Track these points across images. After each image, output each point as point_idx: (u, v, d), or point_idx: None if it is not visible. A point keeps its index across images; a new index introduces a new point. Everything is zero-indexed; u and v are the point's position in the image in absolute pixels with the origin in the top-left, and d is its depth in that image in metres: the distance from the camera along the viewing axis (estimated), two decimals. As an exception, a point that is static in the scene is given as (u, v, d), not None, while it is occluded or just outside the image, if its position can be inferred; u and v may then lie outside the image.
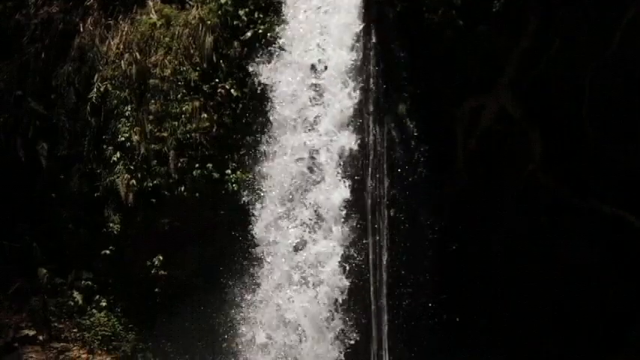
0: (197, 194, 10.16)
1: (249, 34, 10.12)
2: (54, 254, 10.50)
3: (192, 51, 10.27)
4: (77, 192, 10.46)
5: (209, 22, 10.23)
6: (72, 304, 10.47)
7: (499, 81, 10.03)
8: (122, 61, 10.41)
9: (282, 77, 9.83)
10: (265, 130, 9.85)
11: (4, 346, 10.26)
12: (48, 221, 10.53)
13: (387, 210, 9.67)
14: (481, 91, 10.11)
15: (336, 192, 9.48)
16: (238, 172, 10.09)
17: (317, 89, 9.68)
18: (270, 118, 9.80)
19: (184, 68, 10.24)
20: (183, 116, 10.19)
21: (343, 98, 9.63)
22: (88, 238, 10.47)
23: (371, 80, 9.73)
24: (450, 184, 10.06)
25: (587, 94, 9.60)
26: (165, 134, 10.22)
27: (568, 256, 9.88)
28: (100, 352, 10.44)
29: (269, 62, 9.88)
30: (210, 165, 10.15)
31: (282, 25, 9.93)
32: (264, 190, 9.76)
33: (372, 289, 9.45)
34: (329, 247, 9.39)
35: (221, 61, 10.20)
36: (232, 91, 10.17)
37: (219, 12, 10.23)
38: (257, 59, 9.92)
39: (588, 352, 9.60)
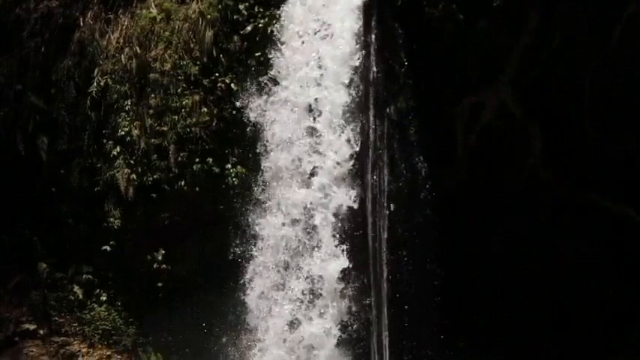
0: (197, 188, 10.16)
1: (249, 28, 10.12)
2: (54, 249, 10.50)
3: (192, 45, 10.26)
4: (77, 186, 10.46)
5: (209, 17, 10.21)
6: (72, 298, 10.48)
7: (499, 78, 9.99)
8: (122, 56, 10.40)
9: (275, 116, 9.73)
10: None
11: (5, 340, 10.28)
12: (48, 216, 10.53)
13: (386, 206, 9.68)
14: (481, 87, 10.08)
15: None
16: (238, 167, 10.09)
17: (314, 134, 9.50)
18: (262, 164, 9.71)
19: (184, 62, 10.23)
20: (183, 110, 10.19)
21: (341, 147, 9.45)
22: (88, 232, 10.47)
23: (371, 75, 9.72)
24: (449, 179, 10.03)
25: (587, 89, 9.58)
26: (165, 128, 10.22)
27: (568, 256, 9.87)
28: (100, 346, 10.45)
29: (260, 95, 9.85)
30: (210, 159, 10.15)
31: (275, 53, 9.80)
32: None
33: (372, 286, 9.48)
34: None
35: (221, 55, 10.18)
36: (232, 85, 10.16)
37: (220, 6, 10.21)
38: (247, 89, 9.88)
39: (588, 352, 9.59)
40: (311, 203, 9.39)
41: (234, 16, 10.19)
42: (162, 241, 10.34)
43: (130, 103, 10.33)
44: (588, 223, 9.85)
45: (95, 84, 10.37)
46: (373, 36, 9.72)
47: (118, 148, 10.26)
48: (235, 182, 10.08)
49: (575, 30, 9.41)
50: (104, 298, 10.56)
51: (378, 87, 9.85)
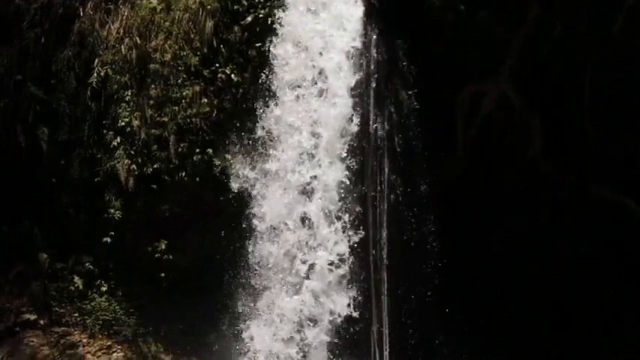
0: (198, 179, 10.16)
1: (249, 18, 10.10)
2: (55, 239, 10.49)
3: (192, 36, 10.24)
4: (78, 177, 10.43)
5: (209, 7, 10.19)
6: (72, 288, 10.48)
7: (500, 69, 10.01)
8: (122, 46, 10.37)
9: (265, 191, 9.71)
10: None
11: (5, 330, 10.28)
12: (48, 206, 10.51)
13: (386, 197, 9.69)
14: (482, 78, 10.10)
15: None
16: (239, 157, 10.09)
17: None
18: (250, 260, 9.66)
19: (185, 53, 10.21)
20: (183, 101, 10.18)
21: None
22: (88, 223, 10.46)
23: (372, 66, 9.71)
24: (450, 170, 10.04)
25: (588, 80, 9.56)
26: (165, 119, 10.20)
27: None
28: (100, 336, 10.45)
29: (249, 164, 9.87)
30: (210, 150, 10.15)
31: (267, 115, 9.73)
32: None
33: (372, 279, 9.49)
34: None
35: (221, 45, 10.17)
36: (233, 76, 10.16)
37: (220, -4, 10.21)
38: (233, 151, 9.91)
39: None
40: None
41: (235, 7, 10.17)
42: (162, 232, 10.34)
43: (130, 94, 10.31)
44: (588, 222, 9.83)
45: (95, 74, 10.35)
46: (374, 25, 9.71)
47: (119, 139, 10.24)
48: (236, 173, 10.07)
49: (576, 20, 9.41)
50: (104, 289, 10.56)
51: (379, 78, 9.86)
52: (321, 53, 9.76)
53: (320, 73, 9.70)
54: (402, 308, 9.51)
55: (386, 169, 9.62)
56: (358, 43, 9.77)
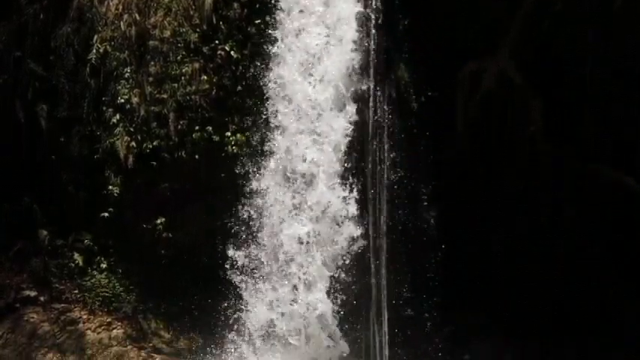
0: (197, 156, 10.15)
1: (249, -6, 10.06)
2: (54, 216, 10.51)
3: (191, 12, 10.18)
4: (77, 154, 10.43)
5: (209, -17, 10.15)
6: (72, 265, 10.52)
7: (500, 46, 9.97)
8: (121, 22, 10.31)
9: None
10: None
11: (5, 306, 10.33)
12: (48, 183, 10.52)
13: (386, 174, 9.68)
14: (482, 55, 10.06)
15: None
16: (238, 135, 10.07)
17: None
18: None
19: (184, 30, 10.17)
20: (182, 78, 10.15)
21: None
22: (88, 200, 10.48)
23: (372, 43, 9.67)
24: (450, 148, 10.03)
25: (589, 56, 9.51)
26: (164, 96, 10.18)
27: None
28: (100, 313, 10.51)
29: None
30: (210, 127, 10.13)
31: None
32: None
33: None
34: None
35: (221, 22, 10.10)
36: (232, 52, 10.11)
37: (220, -28, 10.15)
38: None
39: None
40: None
41: (234, -17, 10.12)
42: (162, 209, 10.37)
43: (129, 71, 10.28)
44: (588, 201, 9.82)
45: (94, 51, 10.31)
46: (374, 2, 9.66)
47: (118, 116, 10.23)
48: (235, 150, 10.06)
49: (578, -5, 9.36)
50: (104, 266, 10.61)
51: (379, 55, 9.81)
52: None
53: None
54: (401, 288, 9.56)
55: (386, 147, 9.61)
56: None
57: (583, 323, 9.63)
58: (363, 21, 9.72)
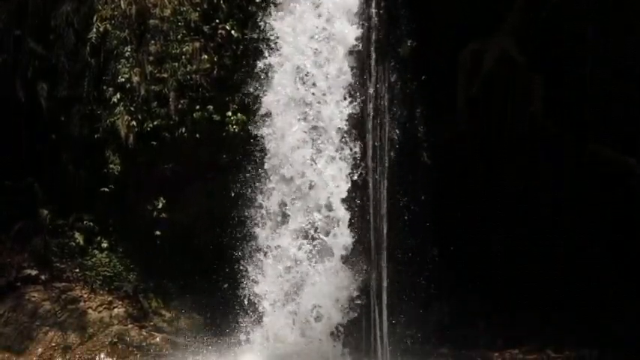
0: (197, 136, 10.14)
1: (250, -27, 10.01)
2: (55, 195, 10.49)
3: (192, -10, 10.16)
4: (77, 133, 10.42)
5: (210, -39, 10.10)
6: (73, 244, 10.52)
7: (502, 26, 9.95)
8: (121, 1, 10.26)
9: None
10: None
11: (7, 285, 10.32)
12: (49, 162, 10.50)
13: (387, 153, 9.68)
14: (484, 35, 10.04)
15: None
16: (239, 114, 10.05)
17: None
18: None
19: (184, 8, 10.14)
20: (183, 57, 10.14)
21: None
22: (88, 179, 10.47)
23: (373, 21, 9.63)
24: (450, 127, 10.02)
25: (590, 36, 9.49)
26: (165, 75, 10.18)
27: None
28: (101, 292, 10.53)
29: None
30: (210, 107, 10.11)
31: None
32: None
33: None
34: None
35: (221, 1, 10.09)
36: (233, 32, 10.09)
37: (221, -49, 10.09)
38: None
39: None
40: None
41: (236, -39, 10.08)
42: (162, 189, 10.36)
43: (129, 50, 10.25)
44: (588, 182, 9.82)
45: (94, 30, 10.27)
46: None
47: (118, 95, 10.20)
48: (236, 130, 10.05)
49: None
50: (105, 245, 10.62)
51: (380, 36, 9.78)
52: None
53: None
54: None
55: (386, 126, 9.60)
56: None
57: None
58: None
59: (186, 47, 10.12)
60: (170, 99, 10.14)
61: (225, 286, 9.88)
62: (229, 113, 10.11)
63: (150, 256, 10.58)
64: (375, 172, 9.66)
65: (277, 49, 9.71)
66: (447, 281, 9.49)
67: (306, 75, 9.65)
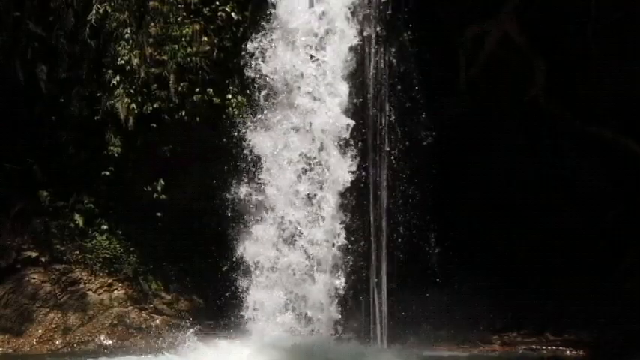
0: (197, 119, 10.12)
1: (250, -47, 9.97)
2: (55, 177, 10.50)
3: (192, -28, 10.11)
4: (77, 115, 10.40)
5: (210, -58, 10.05)
6: (73, 226, 10.52)
7: (503, 8, 9.91)
8: (121, -18, 10.25)
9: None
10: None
11: (7, 267, 10.33)
12: (48, 144, 10.51)
13: (387, 135, 9.67)
14: (485, 17, 10.02)
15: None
16: (239, 97, 10.03)
17: None
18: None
19: (184, -10, 10.10)
20: (183, 40, 10.10)
21: None
22: (88, 161, 10.48)
23: (374, 2, 9.60)
24: (451, 108, 10.01)
25: (592, 18, 9.46)
26: (165, 58, 10.14)
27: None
28: (101, 274, 10.54)
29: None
30: (210, 89, 10.09)
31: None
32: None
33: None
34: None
35: (221, -17, 10.06)
36: (233, 14, 10.07)
37: None
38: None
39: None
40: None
41: (236, -58, 10.03)
42: (162, 172, 10.36)
43: (129, 32, 10.19)
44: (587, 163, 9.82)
45: (94, 11, 10.18)
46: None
47: (118, 77, 10.16)
48: (236, 112, 10.04)
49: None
50: (105, 227, 10.64)
51: (381, 17, 9.74)
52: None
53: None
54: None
55: (387, 107, 9.59)
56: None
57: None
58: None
59: (186, 29, 10.09)
60: (170, 81, 10.11)
61: (225, 268, 9.92)
62: (229, 96, 10.09)
63: (150, 239, 10.63)
64: (375, 154, 9.65)
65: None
66: (447, 265, 9.48)
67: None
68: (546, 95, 9.78)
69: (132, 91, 10.16)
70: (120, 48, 10.18)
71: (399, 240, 9.51)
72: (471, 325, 10.07)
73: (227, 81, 10.15)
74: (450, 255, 9.50)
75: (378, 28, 9.66)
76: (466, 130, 9.94)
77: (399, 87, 9.66)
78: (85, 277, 10.48)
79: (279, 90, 9.68)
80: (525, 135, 9.97)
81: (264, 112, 9.73)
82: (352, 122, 9.43)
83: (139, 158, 10.44)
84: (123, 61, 10.15)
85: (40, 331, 10.13)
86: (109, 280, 10.55)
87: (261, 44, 9.73)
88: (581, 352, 9.27)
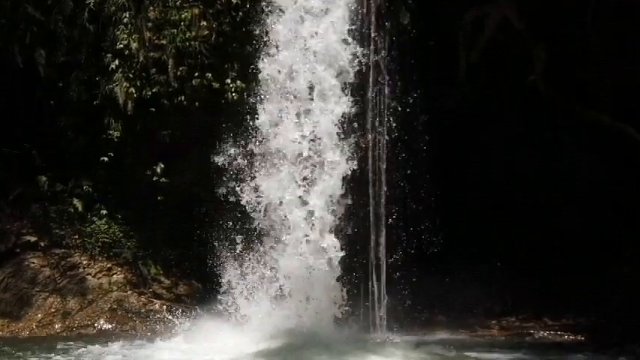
0: (197, 103, 10.09)
1: (250, -63, 9.89)
2: (54, 161, 10.52)
3: (191, -44, 10.06)
4: (76, 99, 10.41)
5: None
6: (72, 211, 10.55)
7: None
8: (120, -34, 10.20)
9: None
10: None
11: (6, 251, 10.37)
12: (47, 128, 10.51)
13: (387, 122, 9.65)
14: (484, 1, 9.98)
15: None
16: (238, 82, 10.00)
17: None
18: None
19: (183, -26, 10.05)
20: (182, 24, 10.08)
21: None
22: (87, 145, 10.49)
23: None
24: (451, 95, 9.99)
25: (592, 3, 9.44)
26: (164, 42, 10.12)
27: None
28: (101, 258, 10.57)
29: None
30: (209, 74, 10.05)
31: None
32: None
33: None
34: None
35: (221, -33, 10.01)
36: (232, -2, 10.02)
37: None
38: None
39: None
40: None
41: None
42: (161, 156, 10.33)
43: (128, 16, 10.18)
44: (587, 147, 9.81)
45: (93, -5, 10.20)
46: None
47: (117, 62, 10.15)
48: (235, 97, 10.01)
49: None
50: (104, 212, 10.66)
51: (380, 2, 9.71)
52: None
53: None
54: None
55: (385, 92, 9.57)
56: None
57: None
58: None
59: (185, 14, 10.05)
60: (169, 66, 10.09)
61: (224, 253, 9.86)
62: (228, 80, 10.05)
63: (149, 223, 10.63)
64: (374, 139, 9.63)
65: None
66: (445, 251, 9.49)
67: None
68: (545, 81, 9.75)
69: (131, 75, 10.15)
70: (119, 32, 10.18)
71: (398, 226, 9.50)
72: (469, 310, 10.11)
73: (226, 66, 10.11)
74: (449, 241, 9.49)
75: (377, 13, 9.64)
76: (465, 122, 9.92)
77: (397, 73, 9.64)
78: (84, 262, 10.51)
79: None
80: (525, 127, 9.96)
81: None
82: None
83: (138, 143, 10.42)
84: (122, 46, 10.14)
85: (39, 315, 10.17)
86: (108, 265, 10.57)
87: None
88: (579, 337, 9.30)
